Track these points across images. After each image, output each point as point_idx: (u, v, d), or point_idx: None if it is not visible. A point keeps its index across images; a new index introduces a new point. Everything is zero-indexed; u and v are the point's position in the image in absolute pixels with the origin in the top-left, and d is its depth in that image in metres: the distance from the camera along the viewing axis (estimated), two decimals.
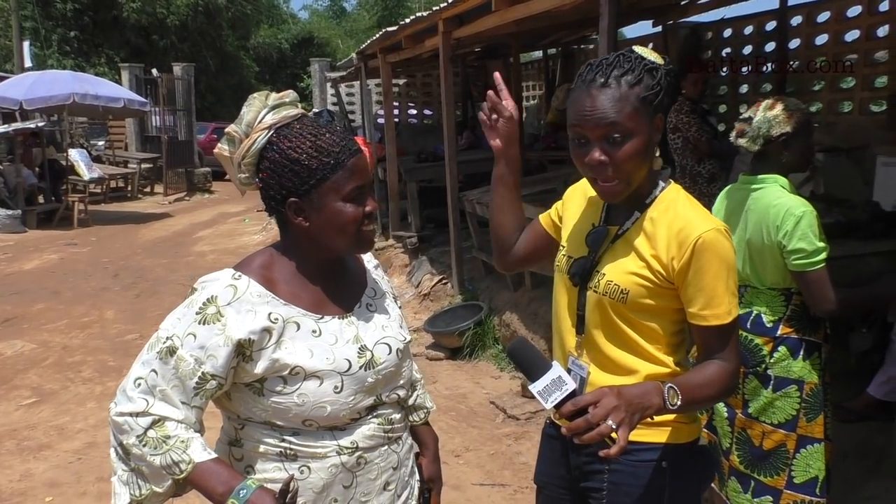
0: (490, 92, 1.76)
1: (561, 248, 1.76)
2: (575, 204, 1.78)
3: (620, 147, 1.49)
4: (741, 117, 2.58)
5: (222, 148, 1.51)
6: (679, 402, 1.44)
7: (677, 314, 1.59)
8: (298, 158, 1.42)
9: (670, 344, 1.61)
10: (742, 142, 2.53)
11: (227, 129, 1.50)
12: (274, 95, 1.50)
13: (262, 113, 1.47)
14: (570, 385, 1.37)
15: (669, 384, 1.45)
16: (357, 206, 1.46)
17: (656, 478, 1.58)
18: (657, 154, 1.57)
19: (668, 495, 1.59)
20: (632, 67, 1.50)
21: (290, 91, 1.54)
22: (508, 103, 1.75)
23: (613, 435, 1.33)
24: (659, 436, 1.59)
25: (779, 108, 2.47)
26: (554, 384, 1.37)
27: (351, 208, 1.45)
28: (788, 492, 2.44)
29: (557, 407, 1.36)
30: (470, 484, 3.75)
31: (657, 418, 1.56)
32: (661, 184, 1.62)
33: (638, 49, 1.54)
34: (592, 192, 1.71)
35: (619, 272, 1.58)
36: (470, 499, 3.64)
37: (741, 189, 2.59)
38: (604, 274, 1.60)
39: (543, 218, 1.87)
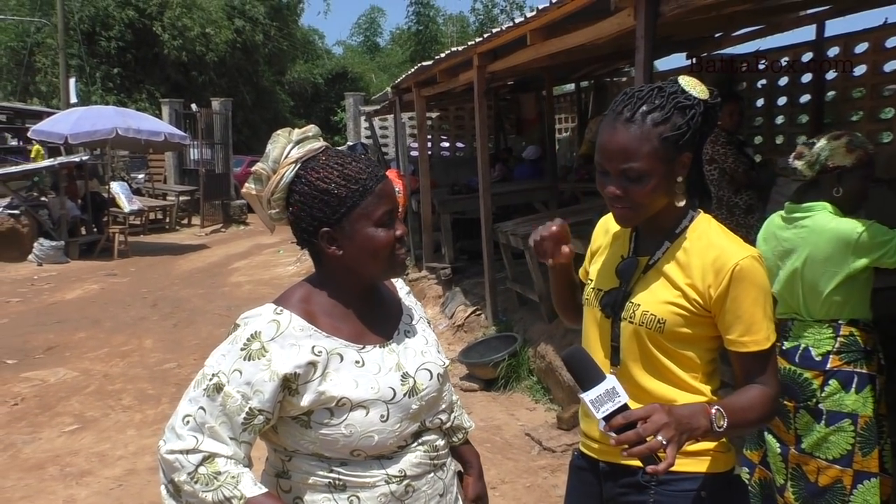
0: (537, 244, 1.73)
1: (588, 282, 1.76)
2: (600, 240, 1.80)
3: (636, 185, 1.51)
4: (806, 141, 2.56)
5: (249, 188, 1.53)
6: (725, 425, 1.44)
7: (713, 342, 1.59)
8: (328, 188, 1.45)
9: (706, 372, 1.60)
10: (798, 164, 2.51)
11: (253, 169, 1.52)
12: (297, 131, 1.53)
13: (288, 148, 1.50)
14: (623, 398, 1.37)
15: (716, 406, 1.45)
16: (388, 230, 1.48)
17: None
18: (682, 191, 1.56)
19: None
20: (661, 105, 1.49)
21: (312, 126, 1.56)
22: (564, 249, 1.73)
23: (660, 453, 1.32)
24: (698, 465, 1.58)
25: (844, 139, 2.45)
26: (607, 395, 1.36)
27: (383, 233, 1.47)
28: None
29: (607, 419, 1.36)
30: None
31: (695, 447, 1.56)
32: (691, 213, 1.62)
33: (682, 81, 1.54)
34: (617, 227, 1.72)
35: (654, 302, 1.57)
36: None
37: (787, 218, 2.56)
38: (638, 304, 1.59)
39: (581, 273, 1.88)
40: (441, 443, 1.61)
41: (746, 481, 2.74)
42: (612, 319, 1.64)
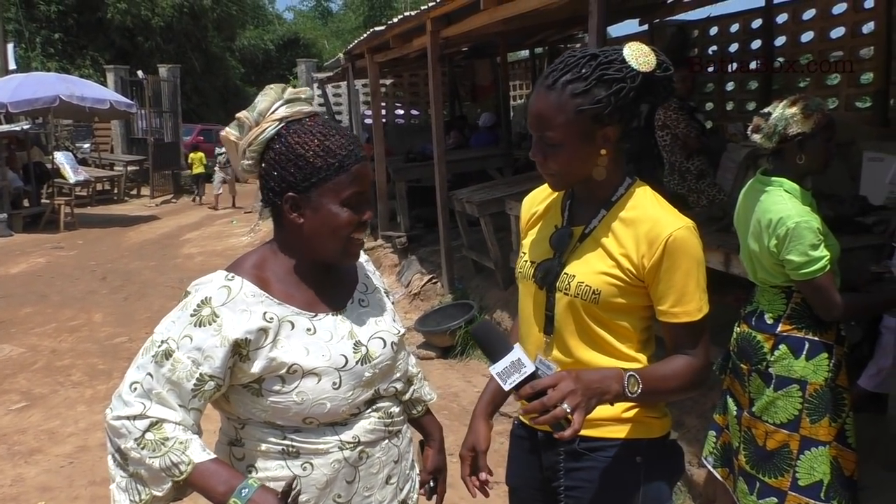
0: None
1: (521, 255, 1.72)
2: (531, 213, 1.76)
3: (552, 152, 1.50)
4: (760, 112, 2.50)
5: (230, 132, 1.51)
6: (639, 391, 1.44)
7: (647, 311, 1.57)
8: (304, 154, 1.42)
9: (640, 341, 1.59)
10: (757, 138, 2.46)
11: (238, 115, 1.50)
12: (291, 90, 1.49)
13: (277, 104, 1.47)
14: (529, 367, 1.37)
15: (631, 372, 1.45)
16: (353, 212, 1.45)
17: (630, 473, 1.58)
18: (604, 164, 1.52)
19: (643, 490, 1.58)
20: (585, 75, 1.44)
21: (307, 88, 1.54)
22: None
23: (571, 417, 1.33)
24: (631, 431, 1.58)
25: (798, 106, 2.39)
26: (513, 366, 1.37)
27: (347, 213, 1.44)
28: (793, 494, 2.41)
29: (517, 389, 1.36)
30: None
31: (629, 414, 1.57)
32: (628, 180, 1.58)
33: (627, 50, 1.47)
34: (549, 197, 1.71)
35: (589, 272, 1.54)
36: (464, 496, 3.60)
37: (754, 188, 2.54)
38: (573, 275, 1.56)
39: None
40: (396, 409, 1.60)
41: (713, 444, 2.78)
42: (546, 290, 1.61)
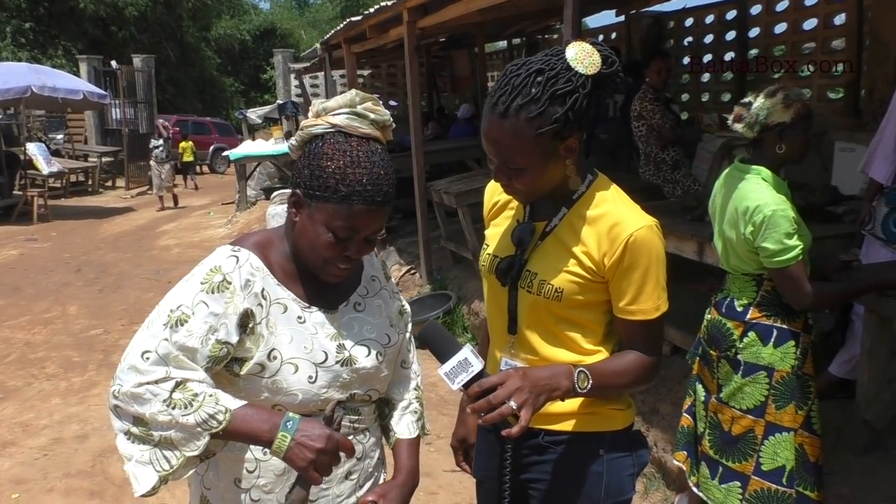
0: None
1: (484, 246, 1.71)
2: (493, 202, 1.76)
3: (517, 176, 1.48)
4: (741, 101, 2.51)
5: (311, 110, 1.50)
6: (589, 386, 1.46)
7: (609, 304, 1.57)
8: (324, 167, 1.40)
9: (604, 334, 1.60)
10: (739, 127, 2.47)
11: (314, 101, 1.49)
12: (370, 104, 1.46)
13: (342, 109, 1.44)
14: (477, 366, 1.38)
15: (581, 368, 1.46)
16: (337, 241, 1.42)
17: (594, 465, 1.60)
18: (573, 172, 1.51)
19: (606, 481, 1.60)
20: (537, 96, 1.39)
21: (388, 115, 1.49)
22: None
23: (518, 415, 1.34)
24: (594, 424, 1.60)
25: (780, 95, 2.41)
26: (460, 366, 1.38)
27: (329, 238, 1.42)
28: (756, 478, 2.45)
29: (465, 388, 1.37)
30: (441, 471, 3.78)
31: (591, 407, 1.58)
32: (589, 177, 1.57)
33: (570, 53, 1.42)
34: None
35: (551, 271, 1.54)
36: (441, 485, 3.67)
37: (732, 176, 2.56)
38: (536, 273, 1.56)
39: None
40: (366, 409, 1.60)
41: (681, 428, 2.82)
42: (508, 288, 1.61)
